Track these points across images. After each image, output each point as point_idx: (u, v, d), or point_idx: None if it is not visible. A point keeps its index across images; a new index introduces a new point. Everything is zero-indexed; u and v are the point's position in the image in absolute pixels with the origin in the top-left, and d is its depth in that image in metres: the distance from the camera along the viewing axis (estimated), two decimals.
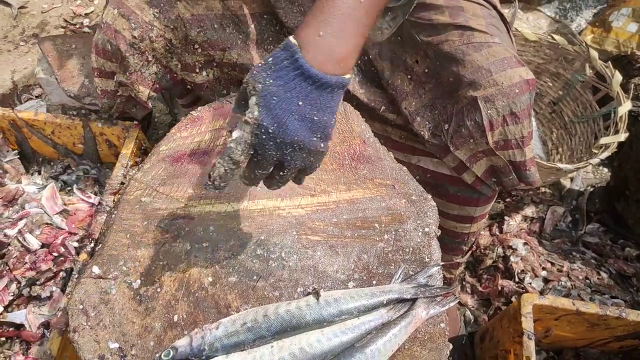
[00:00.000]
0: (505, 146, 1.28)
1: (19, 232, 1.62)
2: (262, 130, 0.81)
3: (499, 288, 1.72)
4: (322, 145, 0.87)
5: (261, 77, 0.81)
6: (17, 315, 1.54)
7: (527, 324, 1.30)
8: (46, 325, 1.55)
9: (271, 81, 0.80)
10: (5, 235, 1.61)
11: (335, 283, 1.09)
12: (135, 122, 1.61)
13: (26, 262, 1.60)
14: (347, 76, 0.85)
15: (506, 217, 1.94)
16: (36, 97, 2.23)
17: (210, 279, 1.09)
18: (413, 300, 1.06)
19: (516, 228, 1.92)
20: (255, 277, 1.09)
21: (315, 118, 0.83)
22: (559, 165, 1.67)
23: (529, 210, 1.99)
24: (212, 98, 1.58)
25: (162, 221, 1.17)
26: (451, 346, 1.04)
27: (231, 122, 1.29)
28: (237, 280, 1.09)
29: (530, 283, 1.70)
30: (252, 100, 0.82)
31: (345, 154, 1.26)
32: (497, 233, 1.89)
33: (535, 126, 2.22)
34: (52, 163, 1.84)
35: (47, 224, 1.66)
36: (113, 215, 1.19)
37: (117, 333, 1.03)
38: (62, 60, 1.58)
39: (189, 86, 1.54)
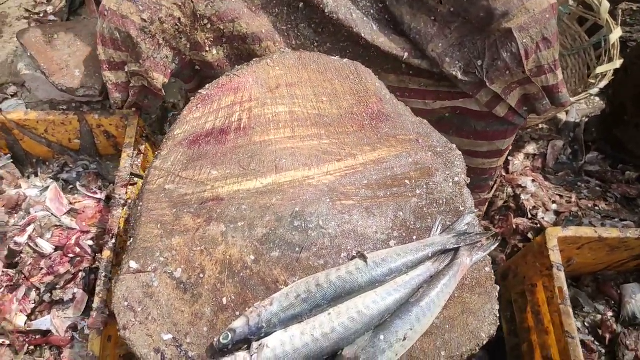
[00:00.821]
0: (539, 72, 1.32)
1: (29, 238, 1.57)
2: None
3: (514, 227, 1.76)
4: None
5: None
6: (43, 322, 1.52)
7: (555, 256, 1.34)
8: (74, 327, 1.53)
9: None
10: (15, 243, 1.55)
11: (376, 244, 1.10)
12: (134, 109, 1.55)
13: (42, 268, 1.56)
14: None
15: (510, 158, 1.97)
16: (12, 95, 2.11)
17: (252, 257, 1.08)
18: (456, 250, 1.08)
19: (521, 167, 1.96)
20: (297, 249, 1.09)
21: None
22: None
23: (530, 148, 2.02)
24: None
25: (191, 206, 1.14)
26: (498, 288, 1.07)
27: None
28: (280, 255, 1.08)
29: (543, 218, 1.75)
30: None
31: (364, 114, 1.25)
32: (504, 174, 1.92)
33: None
34: (47, 163, 1.77)
35: (56, 226, 1.61)
36: (139, 208, 1.15)
37: (168, 324, 1.02)
38: (47, 53, 1.49)
39: (197, 67, 1.49)
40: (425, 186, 1.16)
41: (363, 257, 1.03)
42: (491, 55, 1.30)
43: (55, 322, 1.51)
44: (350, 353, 0.95)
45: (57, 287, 1.55)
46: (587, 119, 2.12)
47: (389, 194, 1.15)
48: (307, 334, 0.96)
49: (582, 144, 2.04)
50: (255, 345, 0.96)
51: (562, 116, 2.14)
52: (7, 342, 1.51)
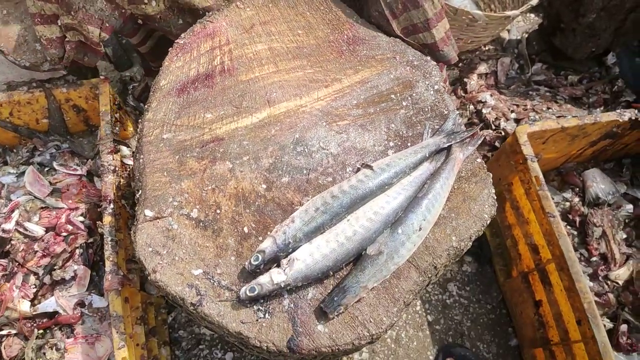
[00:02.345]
0: (414, 30, 1.36)
1: (17, 223, 1.53)
2: None
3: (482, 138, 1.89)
4: None
5: None
6: (48, 304, 1.50)
7: (527, 150, 1.48)
8: (81, 304, 1.52)
9: None
10: (3, 230, 1.51)
11: (376, 155, 1.17)
12: (103, 77, 1.52)
13: (37, 251, 1.54)
14: None
15: (465, 79, 2.10)
16: None
17: (264, 186, 1.13)
18: (448, 148, 1.18)
19: (476, 86, 2.09)
20: (305, 171, 1.15)
21: None
22: (507, 13, 1.81)
23: (482, 68, 2.15)
24: (167, 29, 1.51)
25: (193, 150, 1.17)
26: (491, 175, 1.18)
27: None
28: (290, 179, 1.14)
29: (505, 127, 1.89)
30: None
31: (340, 41, 1.30)
32: (463, 94, 2.05)
33: None
34: (15, 150, 1.71)
35: (42, 208, 1.58)
36: (140, 161, 1.17)
37: (195, 260, 1.06)
38: (1, 32, 1.42)
39: (139, 20, 1.46)
40: (409, 98, 1.24)
41: (369, 167, 1.11)
42: (366, 12, 1.36)
43: (60, 301, 1.50)
44: (374, 249, 1.03)
45: (56, 267, 1.54)
46: (527, 35, 2.28)
47: (378, 109, 1.23)
48: (331, 240, 1.03)
49: (526, 58, 2.20)
50: (284, 261, 1.02)
51: (505, 35, 2.29)
52: (14, 332, 1.49)
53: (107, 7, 1.37)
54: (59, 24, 1.38)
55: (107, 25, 1.40)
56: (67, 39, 1.41)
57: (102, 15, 1.37)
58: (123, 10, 1.41)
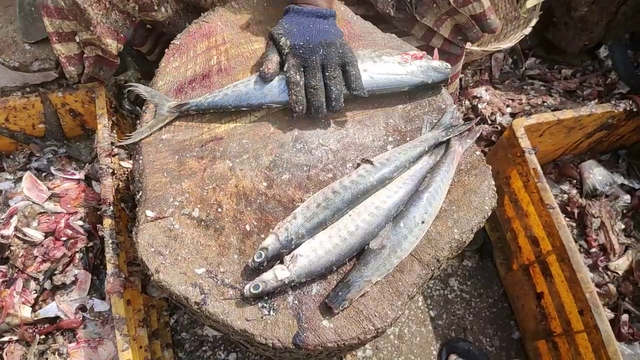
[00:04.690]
0: (464, 2, 1.41)
1: (16, 229, 1.53)
2: (297, 47, 1.12)
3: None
4: (340, 38, 1.16)
5: (280, 27, 1.15)
6: (49, 310, 1.50)
7: (525, 142, 1.49)
8: (82, 308, 1.52)
9: (287, 25, 1.15)
10: (2, 236, 1.51)
11: (375, 150, 1.18)
12: (98, 81, 1.52)
13: (36, 256, 1.53)
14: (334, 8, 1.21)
15: (460, 75, 2.11)
16: None
17: (264, 184, 1.13)
18: (447, 141, 1.18)
19: (471, 82, 2.10)
20: (305, 168, 1.15)
21: (324, 27, 1.15)
22: (501, 46, 1.82)
23: (476, 63, 2.17)
24: (175, 34, 1.52)
25: (192, 150, 1.17)
26: (490, 167, 1.18)
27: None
28: (290, 176, 1.14)
29: (501, 121, 1.90)
30: (282, 40, 1.13)
31: None
32: (459, 90, 2.06)
33: None
34: (11, 156, 1.70)
35: (41, 213, 1.57)
36: (140, 162, 1.16)
37: (198, 259, 1.06)
38: None
39: (148, 26, 1.47)
40: (407, 93, 1.25)
41: (369, 162, 1.11)
42: None
43: (62, 306, 1.49)
44: (377, 244, 1.04)
45: (56, 272, 1.53)
46: None
47: (376, 105, 1.23)
48: (334, 235, 1.03)
49: (519, 53, 2.21)
50: (287, 257, 1.02)
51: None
52: (15, 338, 1.48)
53: (120, 18, 1.39)
54: (77, 41, 1.39)
55: (122, 35, 1.42)
56: (85, 55, 1.42)
57: (117, 27, 1.39)
58: (134, 19, 1.42)
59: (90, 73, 1.45)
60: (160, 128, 1.18)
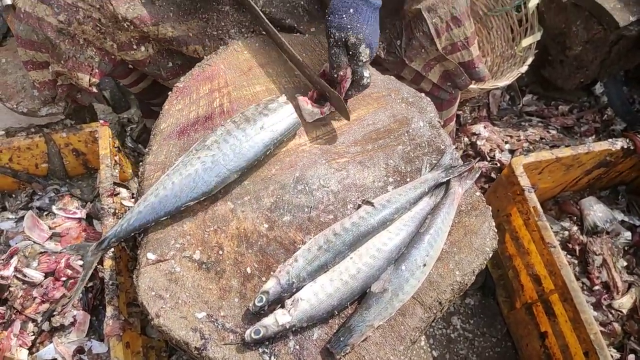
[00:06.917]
0: (453, 49, 1.44)
1: (16, 269, 1.52)
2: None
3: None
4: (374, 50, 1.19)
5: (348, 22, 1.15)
6: (46, 352, 1.48)
7: (524, 180, 1.50)
8: (80, 350, 1.50)
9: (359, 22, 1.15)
10: (1, 277, 1.50)
11: (376, 191, 1.19)
12: (102, 121, 1.54)
13: (35, 297, 1.52)
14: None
15: (458, 112, 2.14)
16: None
17: (265, 226, 1.13)
18: (447, 182, 1.19)
19: (469, 118, 2.13)
20: (306, 209, 1.15)
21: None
22: (499, 84, 1.86)
23: (474, 100, 2.20)
24: (157, 73, 1.54)
25: None
26: (490, 208, 1.19)
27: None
28: (292, 218, 1.14)
29: (500, 158, 1.92)
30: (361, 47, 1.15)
31: None
32: (457, 127, 2.08)
33: None
34: (14, 195, 1.71)
35: (41, 253, 1.56)
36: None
37: (198, 303, 1.05)
38: None
39: (130, 65, 1.50)
40: (406, 134, 1.27)
41: (369, 203, 1.12)
42: (407, 35, 1.42)
43: (59, 349, 1.47)
44: (379, 287, 1.03)
45: (55, 313, 1.51)
46: None
47: (376, 146, 1.25)
48: (335, 279, 1.03)
49: (517, 90, 2.25)
50: (289, 301, 1.01)
51: None
52: None
53: (97, 54, 1.41)
54: (50, 70, 1.41)
55: (97, 71, 1.43)
56: (58, 83, 1.45)
57: (92, 62, 1.41)
58: (113, 57, 1.44)
59: (63, 97, 1.49)
60: (91, 273, 1.14)
